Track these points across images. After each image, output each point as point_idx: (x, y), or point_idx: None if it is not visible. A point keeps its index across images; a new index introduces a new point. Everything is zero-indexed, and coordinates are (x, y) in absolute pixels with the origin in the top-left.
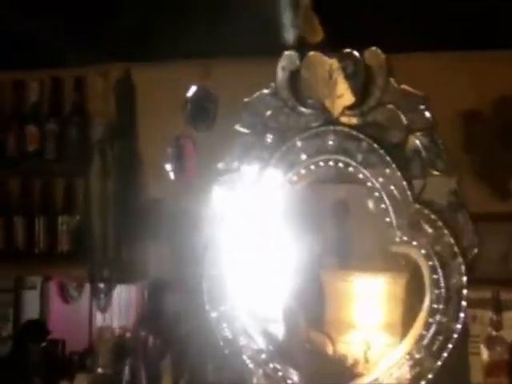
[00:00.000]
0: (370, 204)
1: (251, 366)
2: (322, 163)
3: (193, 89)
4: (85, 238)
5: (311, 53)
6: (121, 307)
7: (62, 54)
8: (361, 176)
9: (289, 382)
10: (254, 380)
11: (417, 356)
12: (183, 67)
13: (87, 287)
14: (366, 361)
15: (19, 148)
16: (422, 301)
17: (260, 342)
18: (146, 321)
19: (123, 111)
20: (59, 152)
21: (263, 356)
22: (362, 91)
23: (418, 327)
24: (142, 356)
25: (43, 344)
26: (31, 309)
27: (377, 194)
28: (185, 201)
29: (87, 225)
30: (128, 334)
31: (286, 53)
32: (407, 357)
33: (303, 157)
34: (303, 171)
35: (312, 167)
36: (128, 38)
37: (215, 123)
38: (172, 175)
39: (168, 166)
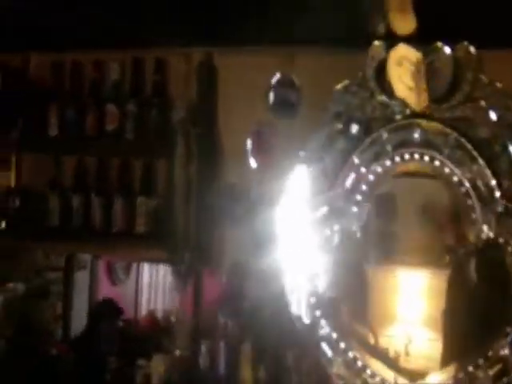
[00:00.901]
0: (455, 199)
1: (330, 354)
2: (407, 155)
3: (276, 76)
4: (164, 221)
5: (400, 44)
6: (165, 289)
7: (143, 35)
8: (447, 171)
9: (368, 371)
10: (334, 368)
11: None
12: (267, 54)
13: (134, 269)
14: (407, 354)
15: (98, 127)
16: (466, 296)
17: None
18: (226, 305)
19: (205, 95)
20: (138, 132)
21: (342, 345)
22: (451, 86)
23: None
24: (221, 340)
25: (118, 323)
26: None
27: (463, 189)
28: (265, 187)
29: (168, 207)
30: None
31: (375, 43)
32: None
33: (388, 148)
34: (388, 163)
35: (397, 159)
36: (211, 22)
37: (298, 112)
38: (252, 162)
39: (249, 153)
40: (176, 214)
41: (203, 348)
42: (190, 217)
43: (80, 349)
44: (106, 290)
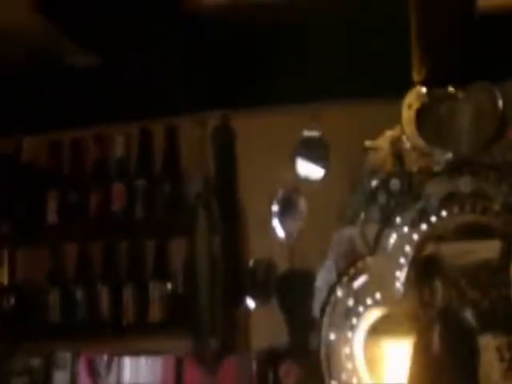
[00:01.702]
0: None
1: None
2: (456, 209)
3: (302, 135)
4: (184, 305)
5: (439, 88)
6: None
7: (150, 102)
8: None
9: None
10: None
11: None
12: (288, 112)
13: (116, 363)
14: None
15: (103, 208)
16: None
17: None
18: None
19: (223, 161)
20: (149, 211)
21: None
22: (499, 127)
23: None
24: None
25: None
26: None
27: None
28: (295, 261)
29: (189, 290)
30: None
31: (414, 89)
32: None
33: (434, 203)
34: (434, 219)
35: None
36: (223, 85)
37: (328, 170)
38: (280, 232)
39: (275, 223)
40: (200, 296)
41: None
42: (215, 298)
43: None
44: None
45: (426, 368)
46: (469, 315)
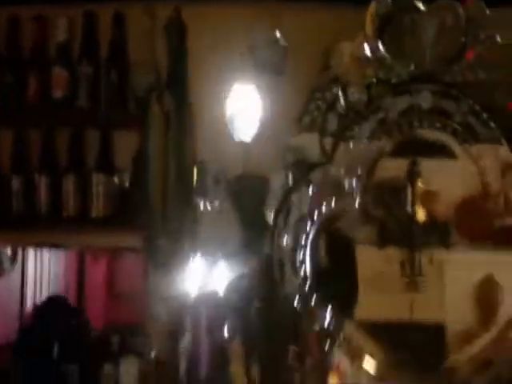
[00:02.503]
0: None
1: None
2: (415, 123)
3: (258, 33)
4: (131, 201)
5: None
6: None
7: None
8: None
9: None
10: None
11: None
12: (244, 7)
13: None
14: None
15: (43, 94)
16: None
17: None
18: (206, 296)
19: (174, 56)
20: (93, 99)
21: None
22: (461, 46)
23: None
24: (204, 338)
25: (72, 323)
26: None
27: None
28: (250, 166)
29: (140, 185)
30: None
31: None
32: None
33: (392, 115)
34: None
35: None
36: None
37: (283, 75)
38: (236, 133)
39: (227, 121)
40: (150, 192)
41: (182, 349)
42: (167, 195)
43: (30, 359)
44: None
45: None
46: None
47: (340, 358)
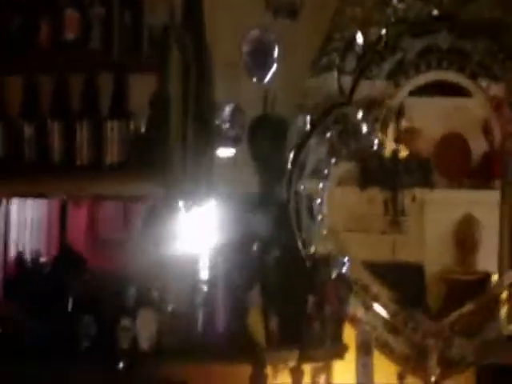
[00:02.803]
0: None
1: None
2: (433, 63)
3: None
4: (148, 147)
5: None
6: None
7: None
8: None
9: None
10: (352, 310)
11: None
12: None
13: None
14: None
15: (54, 37)
16: None
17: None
18: (224, 244)
19: None
20: (106, 41)
21: (359, 283)
22: None
23: None
24: (223, 289)
25: (85, 276)
26: None
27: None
28: (267, 107)
29: (159, 129)
30: None
31: None
32: None
33: (411, 55)
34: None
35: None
36: None
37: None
38: (250, 75)
39: (245, 66)
40: (170, 137)
41: (200, 301)
42: (187, 139)
43: (43, 314)
44: None
45: None
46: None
47: (356, 306)
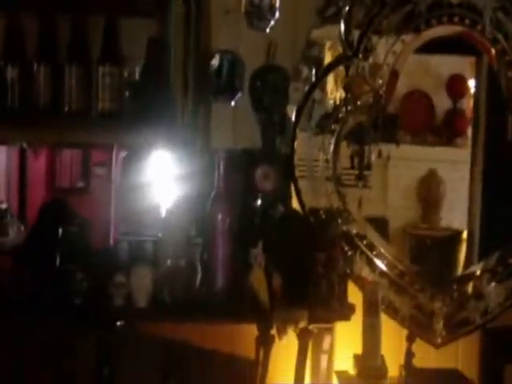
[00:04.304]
0: None
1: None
2: (445, 18)
3: None
4: (144, 95)
5: None
6: None
7: None
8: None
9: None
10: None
11: None
12: None
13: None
14: None
15: None
16: None
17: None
18: (223, 197)
19: None
20: None
21: (364, 241)
22: None
23: None
24: (224, 245)
25: (73, 229)
26: None
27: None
28: (270, 58)
29: (156, 77)
30: None
31: None
32: None
33: (421, 8)
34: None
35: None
36: None
37: None
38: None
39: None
40: (171, 85)
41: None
42: (187, 89)
43: (31, 267)
44: None
45: None
46: None
47: (361, 265)
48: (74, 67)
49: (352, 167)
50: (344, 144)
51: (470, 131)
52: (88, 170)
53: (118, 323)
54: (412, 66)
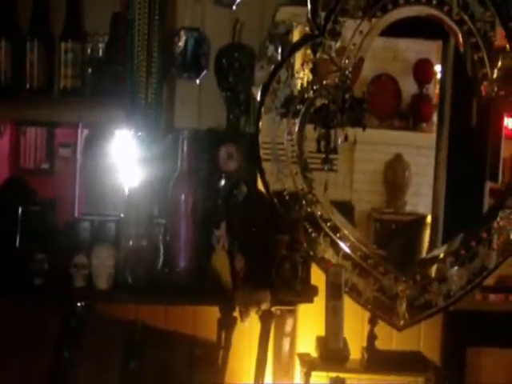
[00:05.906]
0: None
1: (313, 233)
2: None
3: None
4: (108, 71)
5: None
6: None
7: None
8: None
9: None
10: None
11: None
12: None
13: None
14: None
15: None
16: None
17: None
18: (186, 178)
19: None
20: None
21: (328, 223)
22: None
23: None
24: (187, 225)
25: (34, 208)
26: None
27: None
28: (236, 36)
29: (119, 54)
30: None
31: None
32: None
33: None
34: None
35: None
36: None
37: None
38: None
39: None
40: (133, 62)
41: (162, 235)
42: (150, 66)
43: None
44: None
45: None
46: None
47: (324, 247)
48: (35, 43)
49: (318, 151)
50: (311, 127)
51: (435, 117)
52: (52, 150)
53: (79, 304)
54: (380, 50)
